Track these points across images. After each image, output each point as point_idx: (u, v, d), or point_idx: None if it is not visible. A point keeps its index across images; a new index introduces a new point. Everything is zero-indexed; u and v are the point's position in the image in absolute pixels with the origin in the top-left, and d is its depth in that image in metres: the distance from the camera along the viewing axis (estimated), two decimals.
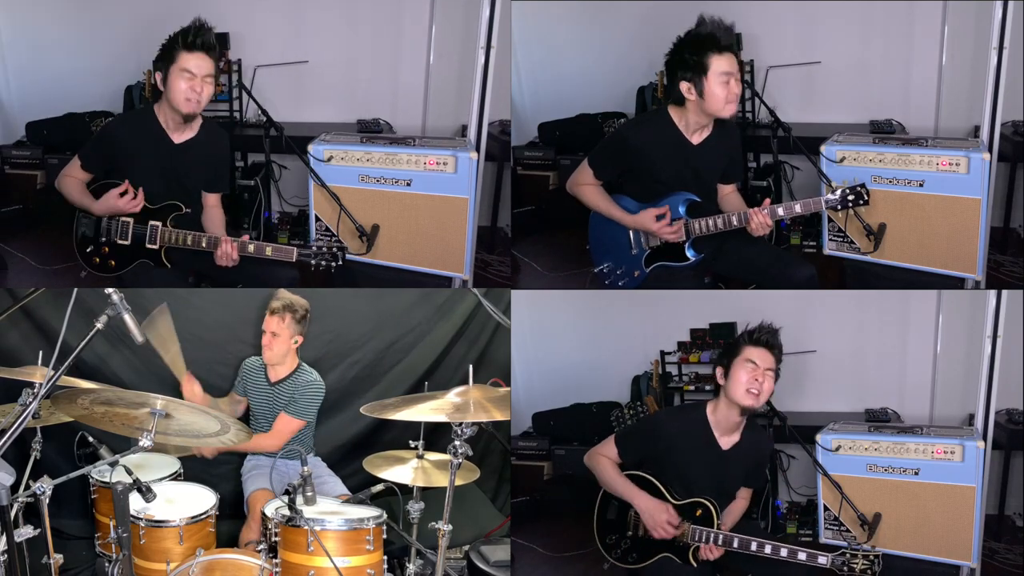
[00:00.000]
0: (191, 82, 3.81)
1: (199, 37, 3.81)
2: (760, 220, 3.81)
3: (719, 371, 3.69)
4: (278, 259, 3.89)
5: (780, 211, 3.86)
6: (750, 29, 4.76)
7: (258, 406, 4.17)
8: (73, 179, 3.97)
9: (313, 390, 4.11)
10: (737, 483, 3.85)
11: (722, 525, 3.69)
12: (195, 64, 3.80)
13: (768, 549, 3.60)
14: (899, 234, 4.14)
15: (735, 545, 3.63)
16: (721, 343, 4.86)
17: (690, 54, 3.71)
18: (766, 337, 3.63)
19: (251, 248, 3.88)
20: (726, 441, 3.73)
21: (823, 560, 3.54)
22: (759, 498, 4.68)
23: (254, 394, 4.17)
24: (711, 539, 3.65)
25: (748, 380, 3.59)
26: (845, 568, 3.52)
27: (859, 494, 4.28)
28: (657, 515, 3.68)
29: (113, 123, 4.39)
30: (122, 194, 3.90)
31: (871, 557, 3.50)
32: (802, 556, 3.58)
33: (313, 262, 3.90)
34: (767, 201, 3.85)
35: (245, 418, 4.21)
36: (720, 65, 3.70)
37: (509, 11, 4.41)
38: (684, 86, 3.74)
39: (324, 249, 3.91)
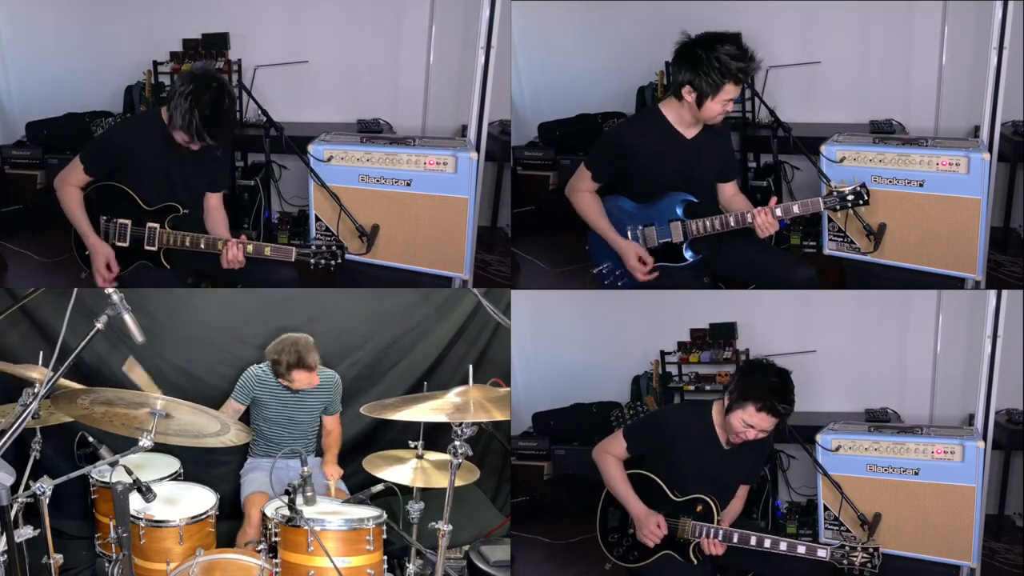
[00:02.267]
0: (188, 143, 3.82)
1: (221, 125, 3.77)
2: (764, 220, 3.80)
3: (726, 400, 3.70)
4: (277, 259, 3.89)
5: (778, 212, 3.85)
6: (750, 29, 4.74)
7: (275, 412, 4.14)
8: (74, 189, 3.93)
9: (338, 386, 4.26)
10: (737, 479, 3.91)
11: (723, 523, 3.72)
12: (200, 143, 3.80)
13: (768, 543, 3.64)
14: (899, 234, 4.14)
15: (735, 540, 3.67)
16: (726, 343, 4.87)
17: (710, 70, 3.66)
18: (771, 411, 3.59)
19: (250, 248, 3.87)
20: (726, 439, 3.77)
21: (822, 553, 3.59)
22: (759, 498, 4.69)
23: (269, 401, 4.14)
24: (711, 534, 3.68)
25: (740, 432, 3.65)
26: (844, 561, 3.58)
27: (859, 494, 4.28)
28: (646, 525, 3.75)
29: (117, 127, 4.39)
30: (108, 266, 3.92)
31: (870, 550, 3.56)
32: (801, 549, 3.62)
33: (312, 261, 3.90)
34: (773, 200, 3.85)
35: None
36: (730, 92, 3.71)
37: (509, 11, 4.41)
38: (686, 88, 3.74)
39: (323, 248, 3.91)
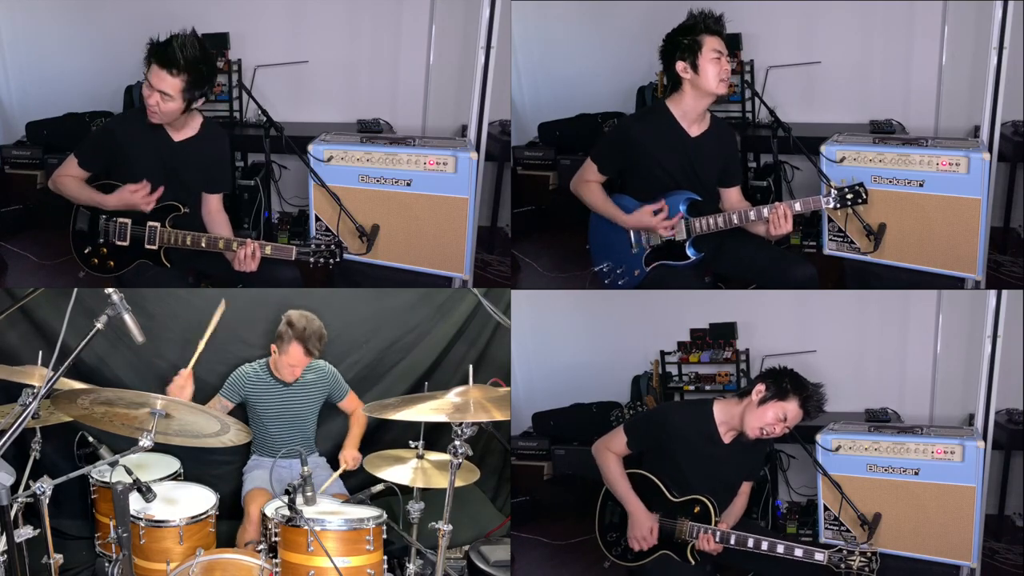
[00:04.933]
0: (150, 94, 3.79)
1: (165, 52, 3.73)
2: (777, 215, 3.81)
3: (758, 387, 3.71)
4: (277, 258, 3.89)
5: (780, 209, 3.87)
6: (750, 29, 4.76)
7: (269, 407, 4.15)
8: (71, 178, 3.95)
9: (334, 374, 4.30)
10: (739, 477, 3.92)
11: (723, 523, 3.72)
12: (155, 78, 3.75)
13: (765, 545, 3.64)
14: (899, 234, 4.14)
15: (732, 541, 3.67)
16: (726, 343, 4.87)
17: (683, 36, 3.83)
18: (814, 409, 3.69)
19: (268, 250, 3.87)
20: (729, 436, 3.80)
21: (820, 557, 3.58)
22: (759, 498, 4.68)
23: (263, 399, 4.15)
24: (708, 534, 3.69)
25: (768, 426, 3.67)
26: (842, 565, 3.57)
27: (859, 494, 4.28)
28: (640, 527, 3.77)
29: (112, 121, 4.38)
30: (134, 192, 3.89)
31: (868, 554, 3.56)
32: (798, 552, 3.62)
33: (312, 260, 3.90)
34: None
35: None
36: (714, 43, 3.82)
37: (509, 11, 4.41)
38: (680, 66, 3.83)
39: (323, 246, 3.91)
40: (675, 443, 3.80)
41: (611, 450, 3.89)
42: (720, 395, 3.89)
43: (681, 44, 3.83)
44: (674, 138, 3.91)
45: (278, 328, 4.10)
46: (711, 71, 3.81)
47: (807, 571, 3.69)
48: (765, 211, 3.85)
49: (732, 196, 4.05)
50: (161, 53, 3.73)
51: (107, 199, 3.93)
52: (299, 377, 4.16)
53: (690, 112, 3.89)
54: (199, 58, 3.78)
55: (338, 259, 3.92)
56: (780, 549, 3.63)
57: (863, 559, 3.54)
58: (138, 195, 3.89)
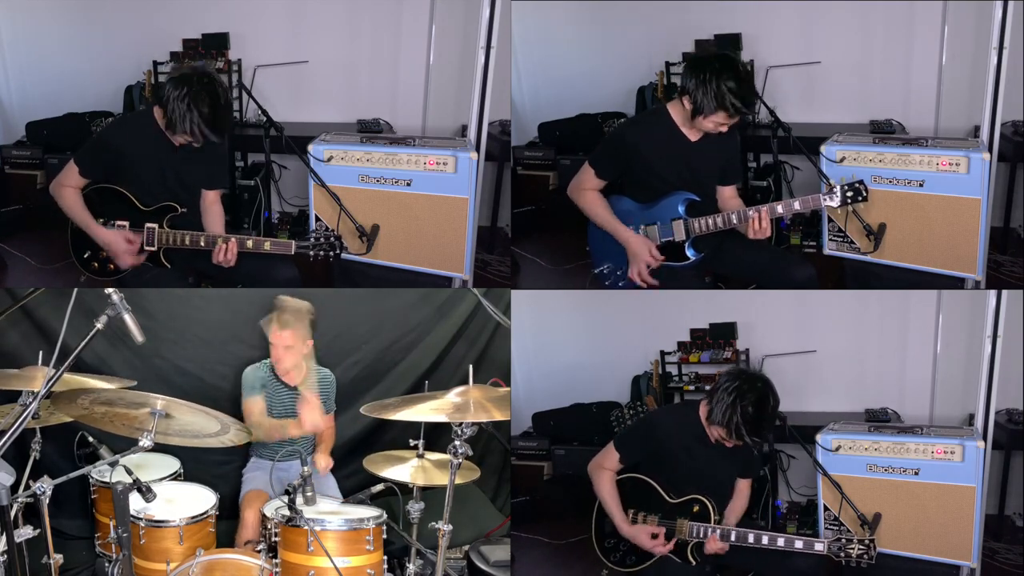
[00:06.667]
0: (186, 140, 3.82)
1: (220, 120, 3.76)
2: (759, 227, 3.79)
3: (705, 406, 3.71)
4: (277, 252, 3.88)
5: (779, 209, 3.86)
6: (750, 29, 4.76)
7: (274, 411, 4.13)
8: (72, 190, 3.92)
9: (332, 384, 4.23)
10: (732, 475, 3.92)
11: (726, 522, 3.73)
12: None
13: (765, 540, 3.67)
14: (899, 234, 4.14)
15: (732, 538, 3.69)
16: (726, 343, 4.87)
17: (709, 94, 3.68)
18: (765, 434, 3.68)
19: (249, 244, 3.88)
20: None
21: (819, 546, 3.63)
22: (759, 498, 4.68)
23: (269, 401, 4.12)
24: (708, 534, 3.69)
25: (725, 441, 3.66)
26: (841, 553, 3.63)
27: (859, 494, 4.28)
28: (643, 539, 3.77)
29: (110, 128, 4.38)
30: (128, 242, 3.90)
31: (866, 542, 3.62)
32: (799, 544, 3.67)
33: (311, 253, 3.90)
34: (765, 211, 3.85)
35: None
36: (722, 119, 3.72)
37: (509, 11, 4.41)
38: (685, 99, 3.76)
39: (322, 239, 3.91)
40: (667, 447, 3.80)
41: (606, 468, 3.87)
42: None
43: (699, 86, 3.68)
44: (673, 144, 3.89)
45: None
46: (707, 126, 3.76)
47: (807, 570, 3.71)
48: (751, 212, 3.83)
49: (725, 193, 4.02)
50: (223, 132, 3.79)
51: (99, 232, 3.91)
52: (302, 380, 4.15)
53: (689, 120, 3.87)
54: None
55: (338, 251, 3.92)
56: (780, 542, 3.67)
57: (861, 547, 3.61)
58: (127, 247, 3.89)
